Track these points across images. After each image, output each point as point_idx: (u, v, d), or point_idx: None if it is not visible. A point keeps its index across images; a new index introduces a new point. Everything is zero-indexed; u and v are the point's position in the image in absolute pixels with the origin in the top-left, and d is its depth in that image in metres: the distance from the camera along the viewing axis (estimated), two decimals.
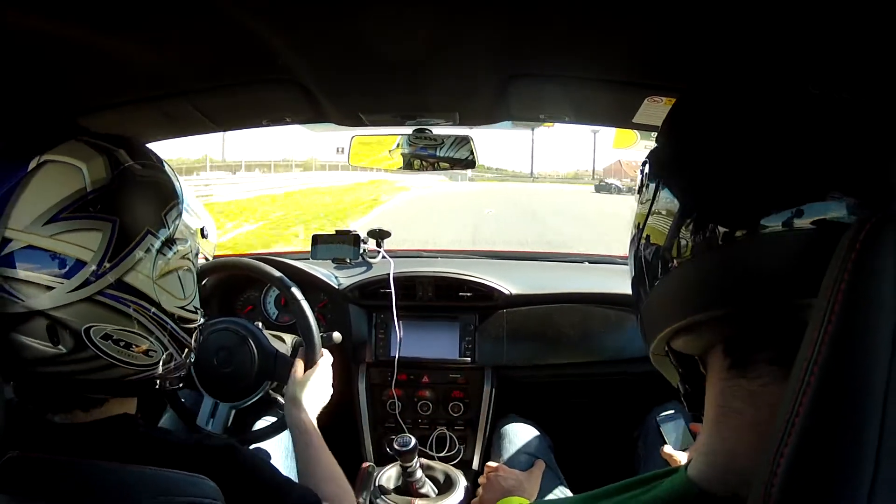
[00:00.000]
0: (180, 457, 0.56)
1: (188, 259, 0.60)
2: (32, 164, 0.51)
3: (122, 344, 0.53)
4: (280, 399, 1.07)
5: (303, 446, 0.85)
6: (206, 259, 0.79)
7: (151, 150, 0.62)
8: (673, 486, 0.35)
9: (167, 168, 0.62)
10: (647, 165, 0.42)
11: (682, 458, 0.94)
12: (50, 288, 0.49)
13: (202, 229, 0.67)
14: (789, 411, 0.26)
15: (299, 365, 1.02)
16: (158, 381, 0.60)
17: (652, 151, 0.42)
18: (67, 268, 0.50)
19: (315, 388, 0.98)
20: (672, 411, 1.09)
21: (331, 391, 1.01)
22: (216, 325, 1.09)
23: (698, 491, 0.33)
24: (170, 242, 0.57)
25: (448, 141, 1.01)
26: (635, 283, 0.42)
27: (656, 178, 0.39)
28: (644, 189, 0.41)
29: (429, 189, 26.02)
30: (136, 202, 0.55)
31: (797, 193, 0.30)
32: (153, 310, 0.55)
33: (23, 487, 0.48)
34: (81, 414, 0.56)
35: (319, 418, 0.93)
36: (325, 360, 1.04)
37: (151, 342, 0.56)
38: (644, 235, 0.40)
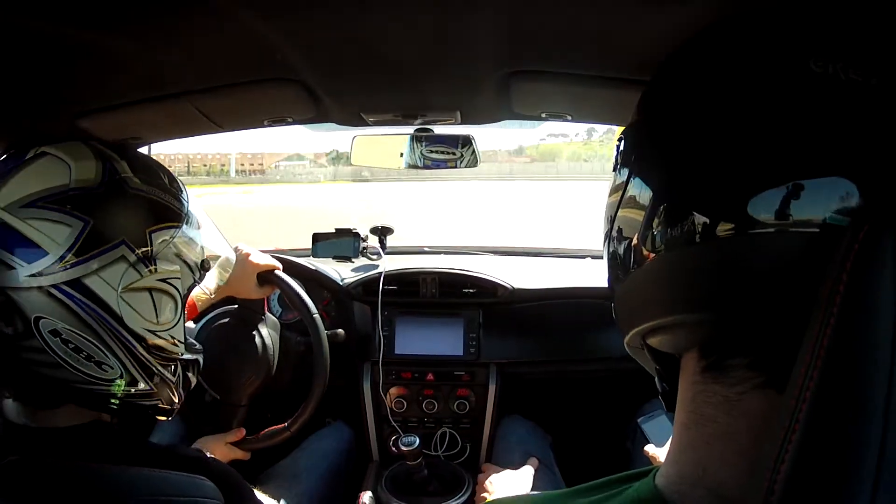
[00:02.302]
0: (172, 465, 0.56)
1: (170, 284, 0.59)
2: (30, 154, 0.54)
3: (70, 346, 0.52)
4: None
5: None
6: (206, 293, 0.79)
7: (168, 174, 0.62)
8: (639, 494, 0.33)
9: (182, 195, 0.62)
10: (623, 150, 0.38)
11: (663, 456, 0.94)
12: (11, 268, 0.51)
13: (203, 262, 0.65)
14: (787, 422, 0.25)
15: (235, 432, 1.05)
16: (128, 406, 0.58)
17: (627, 133, 0.38)
18: (30, 253, 0.51)
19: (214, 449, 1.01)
20: (655, 410, 1.09)
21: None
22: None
23: None
24: (148, 260, 0.56)
25: (450, 140, 1.02)
26: (609, 271, 0.39)
27: (632, 163, 0.36)
28: (617, 174, 0.38)
29: None
30: (119, 211, 0.55)
31: (789, 179, 0.27)
32: (113, 322, 0.54)
33: (21, 491, 0.49)
34: (43, 415, 0.55)
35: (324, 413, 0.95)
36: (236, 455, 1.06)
37: (105, 355, 0.54)
38: (617, 225, 0.37)
